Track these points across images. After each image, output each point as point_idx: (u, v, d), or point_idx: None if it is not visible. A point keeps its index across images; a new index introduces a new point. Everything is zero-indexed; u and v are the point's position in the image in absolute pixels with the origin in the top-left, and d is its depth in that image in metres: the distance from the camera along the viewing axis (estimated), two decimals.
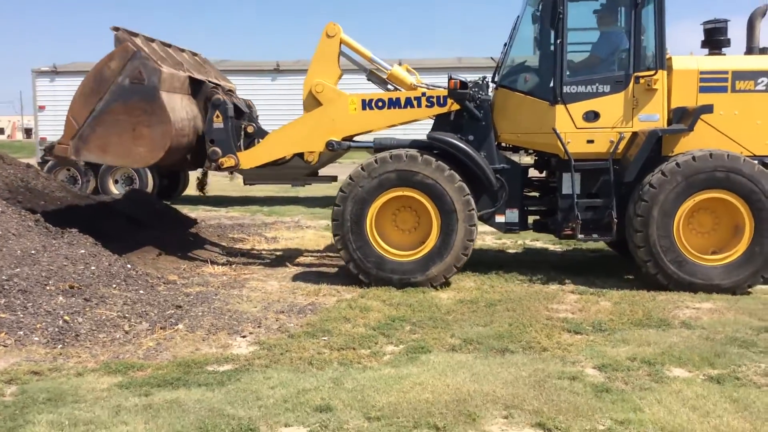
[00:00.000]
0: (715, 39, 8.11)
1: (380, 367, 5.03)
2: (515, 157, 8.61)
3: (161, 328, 5.81)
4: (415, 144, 7.88)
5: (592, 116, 7.60)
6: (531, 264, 8.84)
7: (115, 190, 15.53)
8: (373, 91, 8.46)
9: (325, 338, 5.68)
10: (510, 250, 10.17)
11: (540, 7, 7.75)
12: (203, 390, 4.52)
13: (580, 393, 4.48)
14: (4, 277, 6.05)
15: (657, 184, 7.24)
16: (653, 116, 7.57)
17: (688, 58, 7.88)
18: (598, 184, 7.72)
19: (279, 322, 6.19)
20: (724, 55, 8.10)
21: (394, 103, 8.02)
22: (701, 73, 7.60)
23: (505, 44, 8.25)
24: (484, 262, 8.56)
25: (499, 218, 7.93)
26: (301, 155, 8.39)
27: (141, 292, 6.71)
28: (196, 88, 8.35)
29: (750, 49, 8.24)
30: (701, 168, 7.19)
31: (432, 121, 8.35)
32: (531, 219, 8.35)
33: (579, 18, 7.86)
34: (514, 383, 4.62)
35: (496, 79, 8.26)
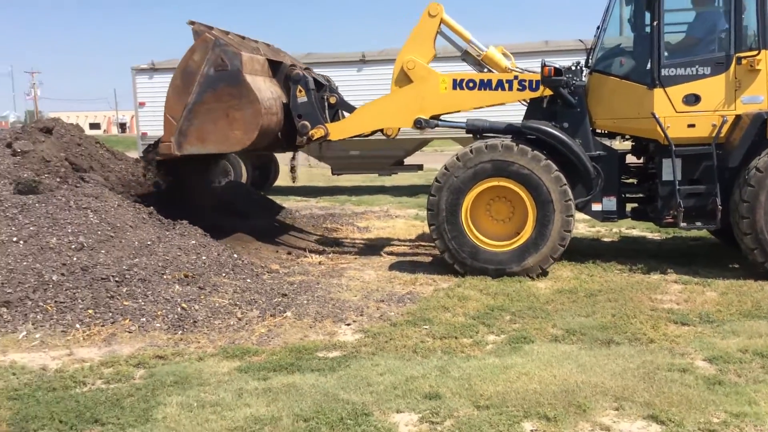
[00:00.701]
0: None
1: (484, 356, 5.11)
2: (611, 143, 8.44)
3: (271, 316, 6.09)
4: (509, 129, 7.87)
5: (693, 99, 7.38)
6: (629, 253, 8.69)
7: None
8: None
9: (427, 327, 5.81)
10: (605, 239, 10.01)
11: None
12: (317, 375, 4.73)
13: (691, 385, 4.43)
14: (125, 267, 6.47)
15: (764, 168, 6.99)
16: (757, 98, 7.30)
17: None
18: (700, 170, 7.49)
19: (380, 310, 6.37)
20: None
21: (485, 85, 8.00)
22: None
23: (598, 27, 8.12)
24: (580, 251, 8.47)
25: (596, 206, 7.82)
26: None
27: (248, 280, 7.02)
28: (275, 69, 8.60)
29: None
30: None
31: (519, 105, 8.35)
32: (629, 207, 8.20)
33: None
34: (622, 375, 4.61)
35: (589, 63, 8.13)
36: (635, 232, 10.33)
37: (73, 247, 6.63)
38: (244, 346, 5.36)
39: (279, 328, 5.84)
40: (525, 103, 8.27)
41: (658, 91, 7.41)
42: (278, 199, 12.99)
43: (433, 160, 20.30)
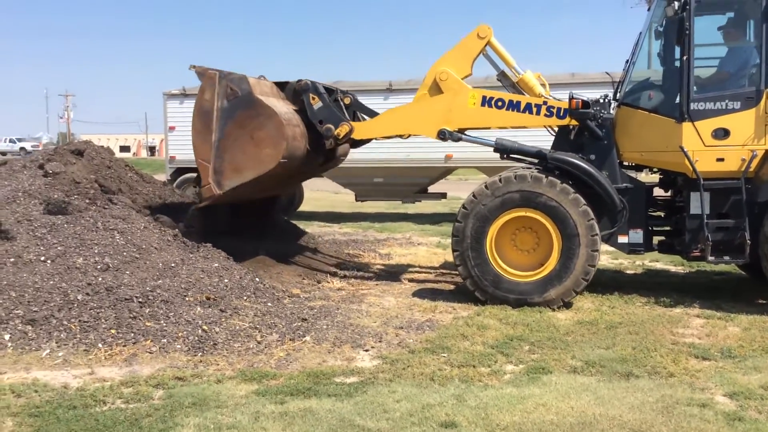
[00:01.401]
0: None
1: (501, 386, 5.09)
2: (637, 176, 8.42)
3: (290, 340, 6.14)
4: (537, 154, 7.92)
5: (722, 134, 7.36)
6: (652, 286, 8.62)
7: None
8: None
9: (445, 355, 5.81)
10: (628, 271, 9.93)
11: (665, 22, 7.62)
12: (333, 400, 4.76)
13: (711, 421, 4.38)
14: (148, 288, 6.57)
15: None
16: None
17: None
18: (729, 204, 7.44)
19: (399, 337, 6.38)
20: None
21: (513, 106, 8.03)
22: None
23: (627, 61, 8.15)
24: (602, 283, 8.42)
25: (622, 239, 7.79)
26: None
27: (269, 304, 7.09)
28: (281, 90, 8.69)
29: None
30: None
31: (542, 132, 8.40)
32: (655, 239, 8.15)
33: (705, 33, 7.65)
34: (641, 408, 4.57)
35: (618, 96, 8.15)
36: (659, 265, 10.24)
37: (98, 267, 6.76)
38: (263, 370, 5.41)
39: (298, 352, 5.88)
40: (552, 132, 8.31)
41: (687, 125, 7.40)
42: (301, 224, 13.08)
43: (457, 189, 20.38)
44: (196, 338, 5.97)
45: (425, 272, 9.73)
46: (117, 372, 5.32)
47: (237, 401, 4.75)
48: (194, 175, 16.68)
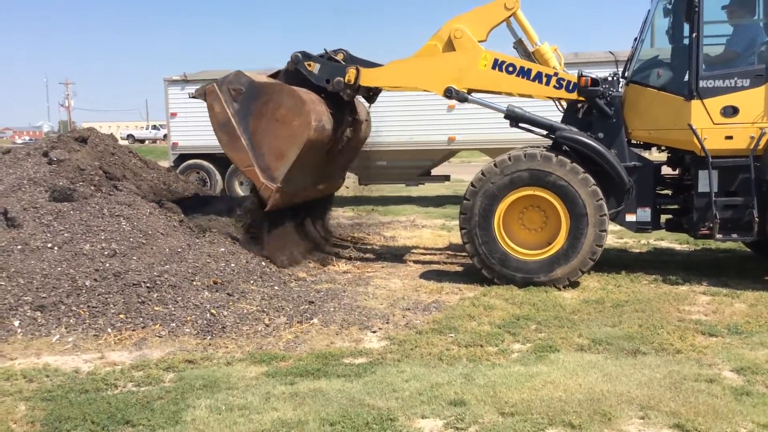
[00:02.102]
0: None
1: (509, 364, 5.12)
2: (646, 154, 8.39)
3: (298, 322, 6.17)
4: (548, 125, 7.88)
5: (731, 111, 7.33)
6: (657, 264, 8.64)
7: (241, 191, 16.36)
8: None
9: (452, 335, 5.84)
10: (634, 250, 9.94)
11: (673, 0, 7.56)
12: (342, 381, 4.79)
13: (718, 396, 4.40)
14: (156, 273, 6.60)
15: None
16: None
17: None
18: (737, 182, 7.43)
19: (406, 318, 6.41)
20: None
21: (524, 73, 7.94)
22: None
23: (636, 39, 8.10)
24: (608, 262, 8.43)
25: (630, 217, 7.79)
26: None
27: (276, 288, 7.12)
28: (275, 77, 8.63)
29: None
30: None
31: (546, 104, 8.37)
32: (663, 218, 8.15)
33: (714, 10, 7.59)
34: (648, 384, 4.60)
35: (626, 74, 8.11)
36: (664, 244, 10.25)
37: (105, 253, 6.79)
38: (272, 352, 5.44)
39: (306, 334, 5.91)
40: (561, 109, 8.27)
41: (695, 103, 7.37)
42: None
43: (460, 171, 20.35)
44: (205, 322, 6.00)
45: (430, 254, 9.75)
46: (127, 356, 5.36)
47: (247, 383, 4.79)
48: (197, 161, 16.84)
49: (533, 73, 7.92)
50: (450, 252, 9.79)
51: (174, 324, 5.94)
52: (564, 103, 8.24)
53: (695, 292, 7.21)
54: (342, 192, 18.88)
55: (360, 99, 9.23)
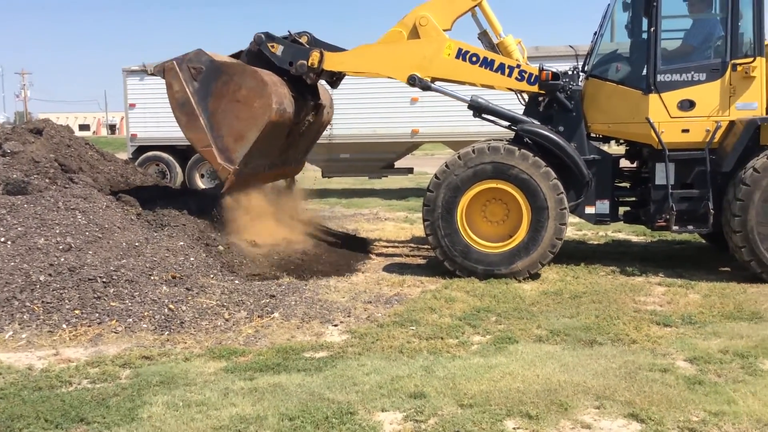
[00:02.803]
0: None
1: (469, 356, 5.16)
2: (605, 147, 8.52)
3: (258, 317, 6.12)
4: (510, 117, 7.93)
5: (688, 105, 7.48)
6: (615, 256, 8.79)
7: (201, 184, 16.18)
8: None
9: (413, 328, 5.86)
10: (592, 242, 10.10)
11: None
12: (303, 375, 4.77)
13: (672, 385, 4.50)
14: (112, 268, 6.47)
15: (761, 168, 7.08)
16: (751, 104, 7.40)
17: None
18: (693, 175, 7.59)
19: (367, 311, 6.41)
20: None
21: (487, 63, 7.96)
22: None
23: (595, 33, 8.20)
24: (567, 253, 8.54)
25: (589, 209, 7.90)
26: None
27: (236, 282, 7.04)
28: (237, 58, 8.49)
29: None
30: None
31: (505, 95, 8.45)
32: (621, 210, 8.29)
33: (673, 4, 7.73)
34: (604, 374, 4.68)
35: (586, 68, 8.21)
36: (621, 236, 10.43)
37: (60, 247, 6.64)
38: (231, 347, 5.39)
39: (266, 328, 5.87)
40: (523, 102, 8.33)
41: (653, 97, 7.50)
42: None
43: (424, 164, 20.45)
44: (163, 317, 5.92)
45: (393, 247, 9.77)
46: (82, 352, 5.26)
47: (206, 378, 4.74)
48: (157, 153, 16.57)
49: (496, 64, 7.96)
50: (412, 245, 9.82)
51: (131, 319, 5.84)
52: (525, 96, 8.31)
53: (651, 283, 7.36)
54: (305, 184, 18.84)
55: (323, 83, 9.16)
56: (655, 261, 8.39)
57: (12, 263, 6.31)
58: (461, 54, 7.98)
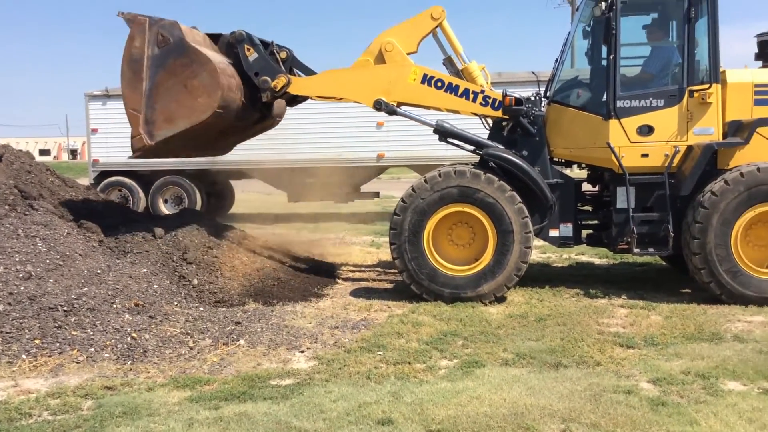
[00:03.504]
0: None
1: (436, 381, 5.17)
2: (567, 171, 8.67)
3: (224, 344, 6.05)
4: (475, 141, 8.03)
5: (647, 130, 7.66)
6: (578, 278, 8.91)
7: (165, 209, 15.99)
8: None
9: (381, 353, 5.85)
10: (556, 265, 10.22)
11: (592, 22, 7.87)
12: (269, 403, 4.72)
13: (636, 407, 4.56)
14: (73, 296, 6.35)
15: (719, 192, 7.25)
16: (708, 129, 7.60)
17: (742, 71, 7.90)
18: (653, 198, 7.75)
19: (334, 337, 6.38)
20: None
21: (452, 89, 8.08)
22: (756, 86, 7.60)
23: (557, 60, 8.38)
24: (531, 277, 8.63)
25: (553, 232, 8.02)
26: None
27: (201, 309, 6.96)
28: (215, 42, 8.45)
29: None
30: (765, 180, 7.20)
31: (470, 120, 8.58)
32: (584, 233, 8.41)
33: (631, 32, 7.94)
34: (569, 397, 4.72)
35: (548, 94, 8.37)
36: (584, 258, 10.59)
37: (20, 276, 6.49)
38: (196, 376, 5.31)
39: (232, 356, 5.80)
40: (487, 127, 8.46)
41: (613, 122, 7.67)
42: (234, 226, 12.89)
43: (390, 188, 20.52)
44: (125, 346, 5.81)
45: (359, 271, 9.76)
46: (43, 383, 5.13)
47: (170, 408, 4.66)
48: (119, 179, 16.36)
49: (461, 90, 8.10)
50: (379, 269, 9.82)
51: (93, 349, 5.72)
52: (490, 121, 8.43)
53: (614, 305, 7.47)
54: (271, 209, 18.77)
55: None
56: (617, 283, 8.53)
57: None
58: (426, 79, 8.10)
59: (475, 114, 8.29)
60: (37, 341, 5.70)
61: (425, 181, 7.68)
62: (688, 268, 7.58)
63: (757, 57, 8.21)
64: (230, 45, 8.36)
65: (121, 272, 7.12)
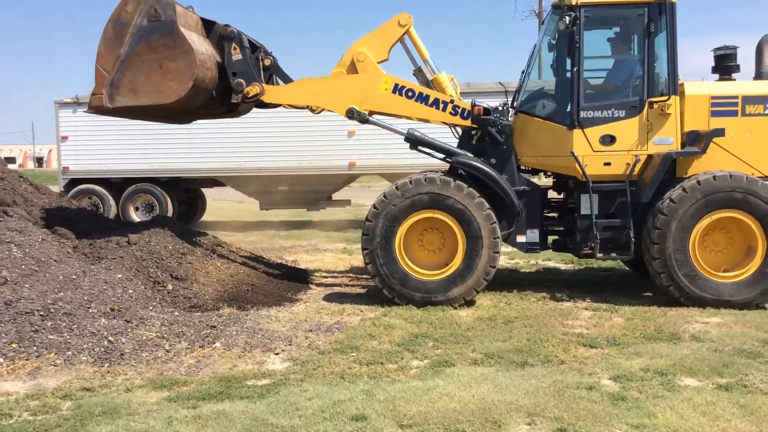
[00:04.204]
0: (725, 65, 8.45)
1: (408, 380, 5.35)
2: (534, 179, 8.95)
3: (200, 347, 6.17)
4: (445, 150, 8.28)
5: (609, 140, 7.96)
6: (545, 283, 9.19)
7: (136, 216, 15.96)
8: None
9: (354, 354, 6.02)
10: (523, 270, 10.50)
11: (557, 35, 8.16)
12: (246, 402, 4.86)
13: (597, 401, 4.79)
14: (49, 301, 6.41)
15: (677, 199, 7.56)
16: (667, 139, 7.93)
17: (699, 83, 8.24)
18: (615, 205, 8.05)
19: (308, 340, 6.53)
20: (734, 80, 8.44)
21: (422, 98, 8.34)
22: (713, 98, 7.95)
23: (523, 71, 8.66)
24: (500, 281, 8.88)
25: (520, 238, 8.28)
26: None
27: (176, 313, 7.06)
28: (208, 30, 8.58)
29: (759, 75, 8.53)
30: (720, 187, 7.52)
31: (440, 129, 8.84)
32: (550, 239, 8.69)
33: (595, 45, 8.25)
34: (535, 393, 4.94)
35: (515, 104, 8.64)
36: (551, 264, 10.88)
37: None
38: (173, 377, 5.43)
39: (208, 358, 5.92)
40: (457, 135, 8.70)
41: (577, 132, 7.97)
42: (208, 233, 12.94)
43: (361, 196, 20.69)
44: (102, 349, 5.90)
45: (332, 277, 9.92)
46: (21, 386, 5.20)
47: (149, 408, 4.77)
48: (89, 186, 16.31)
49: (431, 99, 8.35)
50: (351, 274, 9.99)
51: (70, 352, 5.79)
52: (459, 130, 8.68)
53: (578, 308, 7.74)
54: (243, 217, 18.82)
55: None
56: (582, 287, 8.82)
57: None
58: (398, 89, 8.33)
59: (445, 123, 8.53)
60: (14, 345, 5.75)
61: (396, 187, 7.88)
62: (649, 273, 7.88)
63: (714, 70, 8.58)
64: (221, 37, 8.49)
65: (96, 278, 7.19)
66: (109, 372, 5.56)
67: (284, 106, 8.98)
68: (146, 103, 7.78)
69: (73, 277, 7.07)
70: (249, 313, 7.38)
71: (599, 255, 7.98)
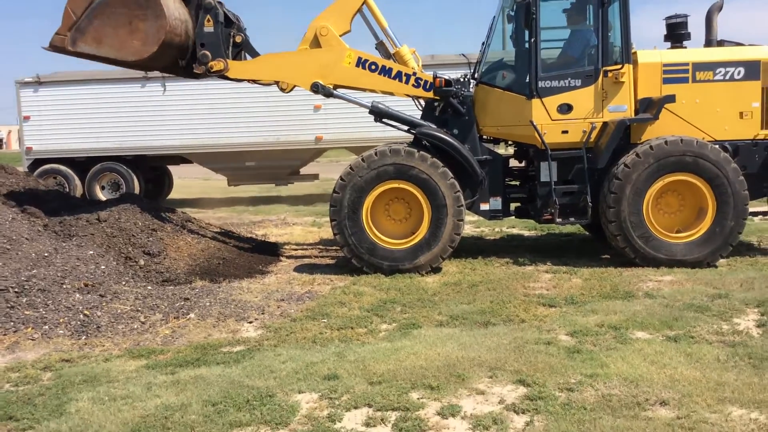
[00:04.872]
0: (676, 33, 8.79)
1: (377, 342, 5.61)
2: (496, 149, 9.21)
3: (174, 318, 6.35)
4: (409, 121, 8.46)
5: (566, 108, 8.24)
6: (509, 249, 9.51)
7: (102, 196, 15.91)
8: None
9: (325, 320, 6.26)
10: (488, 237, 10.81)
11: (514, 7, 8.37)
12: (222, 367, 5.07)
13: (554, 355, 5.10)
14: (23, 278, 6.52)
15: (631, 164, 7.88)
16: (621, 107, 8.23)
17: (651, 52, 8.55)
18: (573, 171, 8.36)
19: (281, 308, 6.75)
20: (685, 48, 8.76)
21: (385, 71, 8.51)
22: (664, 65, 8.27)
23: (483, 43, 8.87)
24: (465, 249, 9.17)
25: (484, 206, 8.56)
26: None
27: (149, 287, 7.21)
28: None
29: (708, 42, 8.86)
30: (672, 152, 7.85)
31: (403, 101, 9.01)
32: (512, 206, 8.98)
33: (551, 17, 8.49)
34: (496, 349, 5.24)
35: (476, 76, 8.86)
36: (515, 231, 11.21)
37: None
38: (150, 347, 5.61)
39: (183, 329, 6.11)
40: (420, 107, 8.89)
41: (535, 102, 8.22)
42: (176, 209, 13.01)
43: (329, 170, 20.79)
44: (79, 323, 6.05)
45: (302, 249, 10.12)
46: (0, 360, 5.34)
47: (128, 375, 4.96)
48: (54, 166, 16.18)
49: (394, 72, 8.52)
50: (321, 246, 10.20)
51: (47, 326, 5.94)
52: (422, 102, 8.88)
53: (540, 271, 8.07)
54: (211, 194, 18.84)
55: None
56: (544, 252, 9.16)
57: None
58: (361, 62, 8.48)
59: (408, 95, 8.72)
60: None
61: (362, 159, 8.07)
62: (606, 236, 8.23)
63: (666, 38, 8.89)
64: (198, 6, 8.52)
65: (68, 254, 7.29)
66: (86, 344, 5.71)
67: (249, 82, 9.08)
68: (106, 56, 7.81)
69: (45, 254, 7.16)
70: (221, 286, 7.57)
71: (558, 220, 8.29)
